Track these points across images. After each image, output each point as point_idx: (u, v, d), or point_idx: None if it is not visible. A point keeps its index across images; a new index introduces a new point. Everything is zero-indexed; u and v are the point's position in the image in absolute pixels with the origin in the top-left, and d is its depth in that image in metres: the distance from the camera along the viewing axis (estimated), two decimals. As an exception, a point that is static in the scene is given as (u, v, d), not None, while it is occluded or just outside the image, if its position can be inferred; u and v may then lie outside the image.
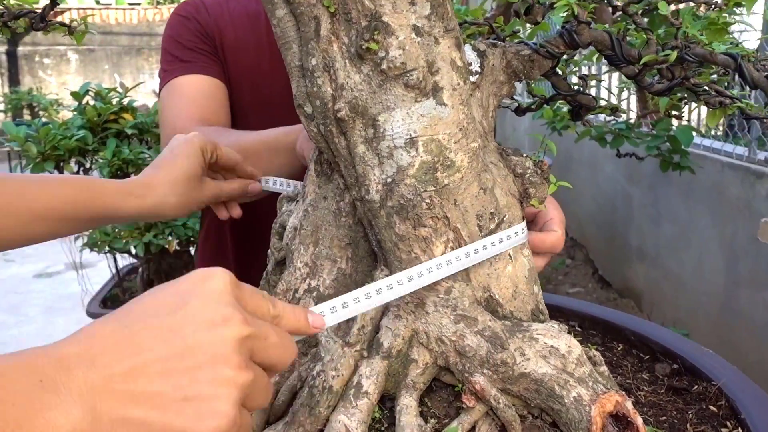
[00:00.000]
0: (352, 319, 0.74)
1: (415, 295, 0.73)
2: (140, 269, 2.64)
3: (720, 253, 3.12)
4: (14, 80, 10.96)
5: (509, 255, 0.77)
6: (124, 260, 2.87)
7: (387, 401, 0.74)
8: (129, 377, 0.43)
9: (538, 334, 0.74)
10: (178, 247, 2.41)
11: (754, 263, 2.77)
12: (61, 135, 1.81)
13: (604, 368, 0.78)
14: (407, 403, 0.70)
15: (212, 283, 0.48)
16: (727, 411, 0.86)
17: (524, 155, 0.81)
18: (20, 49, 10.97)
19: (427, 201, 0.71)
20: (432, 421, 0.72)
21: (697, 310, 3.32)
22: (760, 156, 2.72)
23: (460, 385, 0.73)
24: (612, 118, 2.74)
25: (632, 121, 2.77)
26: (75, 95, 2.00)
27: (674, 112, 1.10)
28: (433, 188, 0.71)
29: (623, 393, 0.71)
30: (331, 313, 0.62)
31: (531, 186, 0.79)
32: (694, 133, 2.66)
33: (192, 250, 2.59)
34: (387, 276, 0.75)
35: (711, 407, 0.88)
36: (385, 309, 0.75)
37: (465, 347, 0.71)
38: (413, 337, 0.73)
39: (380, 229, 0.74)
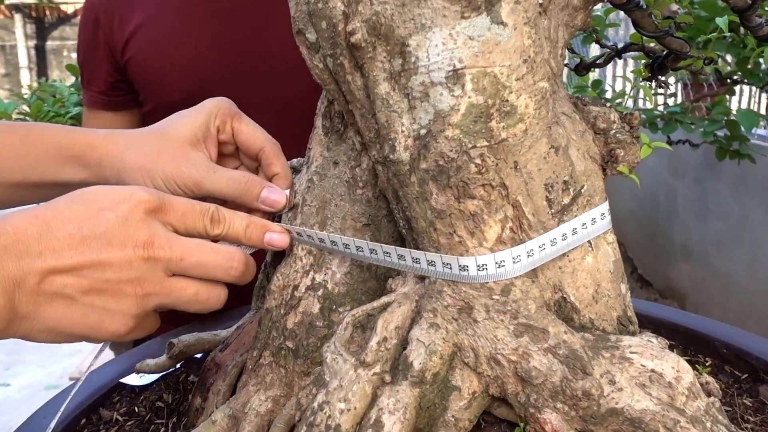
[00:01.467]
0: (369, 330, 0.53)
1: (459, 295, 0.52)
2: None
3: (777, 250, 2.87)
4: (42, 74, 10.94)
5: (589, 242, 0.55)
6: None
7: (418, 444, 0.53)
8: (46, 277, 0.49)
9: (632, 352, 0.52)
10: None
11: (819, 262, 2.51)
12: (54, 112, 1.63)
13: (716, 400, 0.56)
14: (447, 450, 0.49)
15: (129, 205, 0.52)
16: None
17: (608, 105, 0.60)
18: (48, 43, 10.94)
19: (478, 162, 0.50)
20: (481, 473, 0.51)
21: (748, 312, 3.07)
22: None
23: (522, 424, 0.52)
24: (662, 102, 2.49)
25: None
26: (71, 69, 1.81)
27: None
28: (486, 143, 0.50)
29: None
30: (307, 238, 0.59)
31: (618, 146, 0.58)
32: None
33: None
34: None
35: None
36: (415, 315, 0.53)
37: (530, 371, 0.50)
38: (455, 355, 0.52)
39: (410, 203, 0.52)
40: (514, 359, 0.50)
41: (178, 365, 0.82)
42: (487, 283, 0.51)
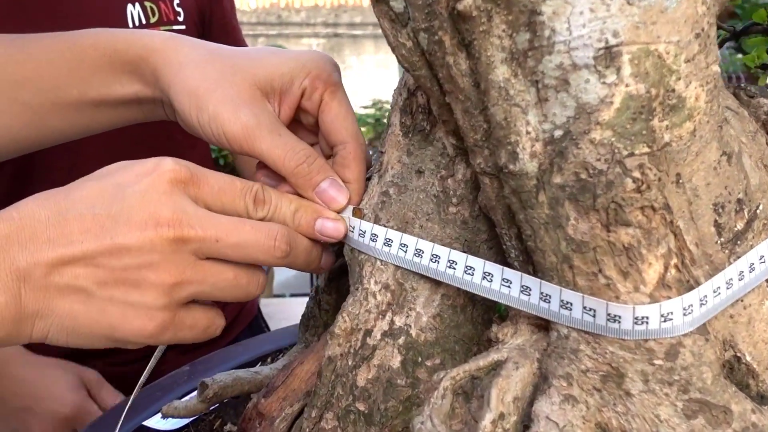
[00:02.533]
0: (476, 400, 0.40)
1: (603, 357, 0.38)
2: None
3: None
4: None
5: (767, 281, 0.41)
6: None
7: None
8: (55, 268, 0.41)
9: (840, 436, 0.38)
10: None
11: None
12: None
13: None
14: None
15: (154, 179, 0.44)
16: None
17: (781, 97, 0.46)
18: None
19: (636, 175, 0.36)
20: None
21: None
22: None
23: None
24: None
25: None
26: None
27: None
28: (647, 149, 0.36)
29: None
30: (370, 240, 0.47)
31: (803, 152, 0.44)
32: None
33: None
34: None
35: None
36: (538, 381, 0.40)
37: (707, 466, 0.36)
38: (599, 440, 0.38)
39: (536, 230, 0.39)
40: (684, 448, 0.37)
41: (211, 408, 0.69)
42: (645, 341, 0.37)
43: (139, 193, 0.43)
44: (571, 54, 0.36)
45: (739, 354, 0.40)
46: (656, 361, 0.37)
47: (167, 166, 0.44)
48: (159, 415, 0.70)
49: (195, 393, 0.73)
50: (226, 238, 0.44)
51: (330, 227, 0.49)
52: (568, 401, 0.38)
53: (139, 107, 0.58)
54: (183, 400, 0.69)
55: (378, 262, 0.47)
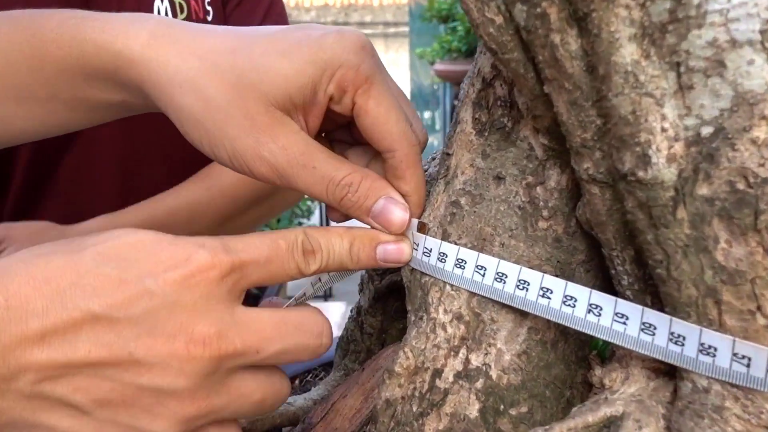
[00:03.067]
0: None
1: (759, 417, 0.30)
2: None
3: None
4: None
5: None
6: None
7: None
8: (49, 375, 0.32)
9: None
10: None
11: None
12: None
13: None
14: None
15: (186, 277, 0.34)
16: None
17: None
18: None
19: (811, 185, 0.28)
20: None
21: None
22: None
23: None
24: None
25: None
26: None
27: None
28: (825, 152, 0.28)
29: None
30: (438, 260, 0.39)
31: None
32: None
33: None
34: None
35: None
36: (671, 445, 0.31)
37: None
38: None
39: (671, 254, 0.30)
40: None
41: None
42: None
43: (168, 293, 0.34)
44: (729, 27, 0.27)
45: None
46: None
47: (203, 260, 0.35)
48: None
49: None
50: (268, 348, 0.36)
51: (393, 251, 0.41)
52: (715, 475, 0.29)
53: (127, 110, 0.49)
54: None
55: (448, 287, 0.39)
